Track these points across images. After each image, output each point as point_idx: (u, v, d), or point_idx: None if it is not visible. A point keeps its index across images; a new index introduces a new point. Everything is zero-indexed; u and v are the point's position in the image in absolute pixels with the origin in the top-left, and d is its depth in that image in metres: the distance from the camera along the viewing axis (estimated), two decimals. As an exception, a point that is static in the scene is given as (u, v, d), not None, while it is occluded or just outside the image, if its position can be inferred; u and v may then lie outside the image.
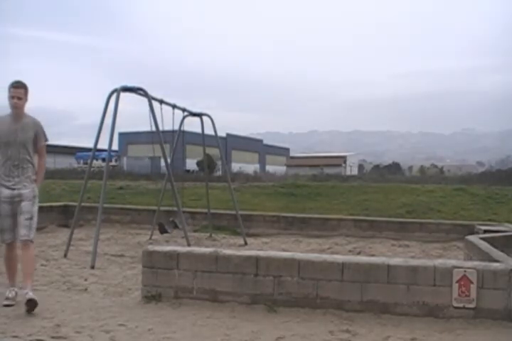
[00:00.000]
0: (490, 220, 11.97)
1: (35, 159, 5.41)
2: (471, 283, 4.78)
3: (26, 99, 5.22)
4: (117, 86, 8.25)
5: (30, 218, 5.14)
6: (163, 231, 9.88)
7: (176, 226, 10.24)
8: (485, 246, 6.69)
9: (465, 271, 4.82)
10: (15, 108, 5.13)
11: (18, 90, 5.12)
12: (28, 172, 5.24)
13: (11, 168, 5.14)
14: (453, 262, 5.20)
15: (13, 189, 5.13)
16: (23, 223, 5.10)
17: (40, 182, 5.45)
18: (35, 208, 5.25)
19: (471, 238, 7.79)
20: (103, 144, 8.82)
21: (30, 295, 4.75)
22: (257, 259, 5.22)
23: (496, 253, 5.96)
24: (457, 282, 4.80)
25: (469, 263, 5.16)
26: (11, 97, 5.08)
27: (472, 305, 4.77)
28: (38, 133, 5.31)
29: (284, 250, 9.16)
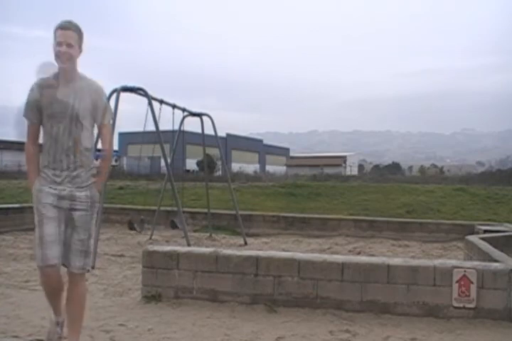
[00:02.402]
0: (490, 220, 11.98)
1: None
2: (471, 283, 4.77)
3: (81, 50, 3.44)
4: (117, 86, 8.24)
5: (88, 238, 3.49)
6: (132, 227, 9.79)
7: (175, 226, 10.24)
8: (485, 246, 6.69)
9: (465, 271, 4.81)
10: (63, 60, 3.32)
11: (68, 33, 3.32)
12: (84, 162, 3.49)
13: (57, 156, 3.41)
14: (453, 262, 5.20)
15: (61, 189, 3.40)
16: (77, 246, 3.45)
17: (103, 179, 3.74)
18: (94, 221, 3.59)
19: (471, 238, 7.79)
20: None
21: None
22: (257, 259, 5.21)
23: (496, 253, 5.96)
24: (457, 282, 4.80)
25: (469, 263, 5.16)
26: (58, 44, 3.30)
27: (472, 305, 4.77)
28: (98, 104, 3.50)
29: (284, 250, 9.16)
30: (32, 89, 3.43)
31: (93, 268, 7.16)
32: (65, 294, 3.63)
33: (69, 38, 3.30)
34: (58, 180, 3.40)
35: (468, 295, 4.77)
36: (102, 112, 3.52)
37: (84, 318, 3.72)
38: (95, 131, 3.69)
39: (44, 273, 3.42)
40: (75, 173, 3.43)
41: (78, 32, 3.38)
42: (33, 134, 3.51)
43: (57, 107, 3.35)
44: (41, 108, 3.38)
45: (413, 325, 4.62)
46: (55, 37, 3.32)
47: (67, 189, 3.40)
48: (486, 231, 9.51)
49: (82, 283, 3.64)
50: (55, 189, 3.39)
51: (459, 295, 4.79)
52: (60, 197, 3.38)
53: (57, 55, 3.31)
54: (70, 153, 3.41)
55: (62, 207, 3.39)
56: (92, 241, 3.56)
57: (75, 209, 3.42)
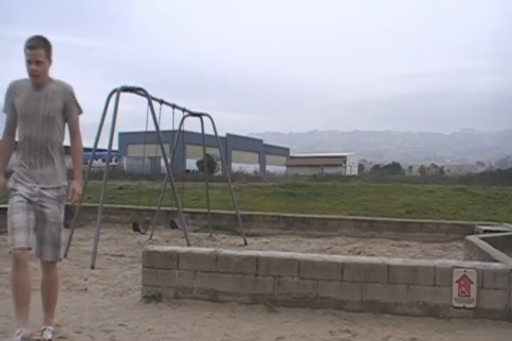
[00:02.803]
0: (490, 220, 11.99)
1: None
2: (471, 283, 4.77)
3: (50, 62, 3.76)
4: (117, 86, 8.25)
5: (58, 231, 3.84)
6: (136, 229, 9.83)
7: (175, 226, 10.24)
8: (485, 246, 6.70)
9: (465, 271, 4.81)
10: (34, 77, 3.69)
11: (36, 52, 3.62)
12: (56, 161, 3.85)
13: (30, 155, 3.75)
14: (453, 262, 5.20)
15: (32, 186, 3.73)
16: (48, 239, 3.80)
17: (79, 176, 4.05)
18: (62, 215, 3.91)
19: (471, 238, 7.79)
20: (103, 144, 8.82)
21: (49, 336, 3.87)
22: (257, 259, 5.21)
23: (495, 253, 5.97)
24: (457, 282, 4.80)
25: (469, 263, 5.16)
26: (28, 62, 3.64)
27: (472, 305, 4.77)
28: (68, 103, 3.85)
29: (284, 250, 9.17)
30: (8, 89, 3.83)
31: (93, 268, 7.18)
32: (30, 305, 3.84)
33: (37, 56, 3.63)
34: (29, 178, 3.74)
35: (468, 295, 4.77)
36: (71, 109, 3.88)
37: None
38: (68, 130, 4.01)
39: (14, 257, 3.66)
40: (46, 172, 3.78)
41: (46, 47, 3.70)
42: (9, 127, 3.89)
43: (29, 109, 3.70)
44: (16, 107, 3.76)
45: (413, 325, 4.62)
46: (25, 54, 3.66)
47: (37, 186, 3.74)
48: (485, 231, 9.52)
49: (53, 270, 3.98)
50: (28, 186, 3.73)
51: (459, 295, 4.79)
52: (32, 194, 3.72)
53: (29, 73, 3.69)
54: (43, 152, 3.76)
55: (33, 201, 3.72)
56: (62, 234, 3.90)
57: (45, 207, 3.75)
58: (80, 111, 3.98)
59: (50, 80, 3.82)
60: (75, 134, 3.97)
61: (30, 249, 3.70)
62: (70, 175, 4.02)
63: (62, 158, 3.96)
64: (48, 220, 3.77)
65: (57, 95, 3.78)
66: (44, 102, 3.73)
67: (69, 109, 3.86)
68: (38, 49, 3.63)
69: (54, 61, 3.79)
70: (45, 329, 3.91)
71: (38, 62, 3.64)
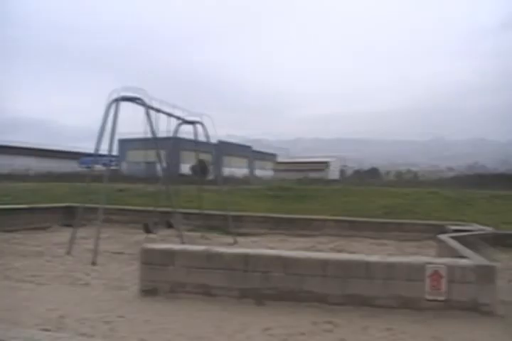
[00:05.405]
0: (459, 220, 12.08)
1: None
2: (442, 277, 4.84)
3: None
4: (117, 95, 8.25)
5: None
6: (147, 231, 9.88)
7: (171, 226, 10.23)
8: (455, 244, 6.78)
9: (437, 267, 4.88)
10: None
11: None
12: None
13: None
14: (426, 259, 5.27)
15: None
16: None
17: None
18: None
19: (443, 237, 7.87)
20: (105, 150, 8.82)
21: None
22: (246, 256, 5.25)
23: (464, 250, 6.04)
24: (429, 277, 4.86)
25: (440, 260, 5.23)
26: None
27: (443, 298, 4.83)
28: None
29: (271, 248, 9.18)
30: None
31: (95, 264, 7.18)
32: None
33: None
34: None
35: (440, 289, 4.83)
36: None
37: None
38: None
39: None
40: None
41: None
42: None
43: None
44: None
45: (390, 317, 4.67)
46: None
47: None
48: (455, 231, 9.59)
49: None
50: None
51: (431, 288, 4.85)
52: None
53: None
54: None
55: None
56: None
57: None
58: None
59: None
60: None
61: None
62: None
63: None
64: None
65: None
66: None
67: None
68: None
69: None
70: None
71: None
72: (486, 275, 4.87)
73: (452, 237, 7.64)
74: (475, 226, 10.49)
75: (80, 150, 48.70)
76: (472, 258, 5.27)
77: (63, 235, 10.36)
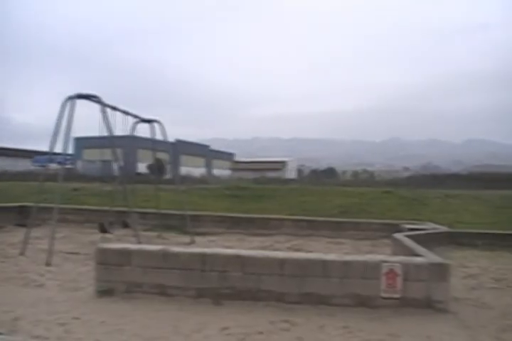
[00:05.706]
0: (414, 220, 12.37)
1: None
2: (397, 275, 4.93)
3: None
4: (72, 93, 8.08)
5: None
6: (103, 230, 9.74)
7: (127, 226, 10.07)
8: (409, 242, 6.92)
9: (392, 265, 4.97)
10: None
11: None
12: None
13: None
14: (381, 257, 5.35)
15: None
16: None
17: None
18: None
19: (398, 235, 8.04)
20: (60, 148, 8.59)
21: None
22: (203, 256, 5.21)
23: (418, 248, 6.17)
24: (385, 275, 4.95)
25: (395, 258, 5.33)
26: None
27: (398, 296, 4.93)
28: None
29: (229, 247, 9.15)
30: None
31: (49, 264, 7.00)
32: None
33: None
34: None
35: (395, 287, 4.92)
36: None
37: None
38: None
39: None
40: None
41: None
42: None
43: None
44: None
45: (346, 315, 4.73)
46: None
47: None
48: (410, 230, 9.80)
49: None
50: None
51: (386, 286, 4.94)
52: None
53: None
54: None
55: None
56: None
57: None
58: None
59: None
60: None
61: None
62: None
63: None
64: None
65: None
66: None
67: None
68: None
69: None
70: None
71: None
72: (439, 273, 5.00)
73: (407, 236, 7.81)
74: (430, 225, 10.78)
75: (34, 149, 47.52)
76: (426, 257, 5.40)
77: (17, 235, 10.06)
